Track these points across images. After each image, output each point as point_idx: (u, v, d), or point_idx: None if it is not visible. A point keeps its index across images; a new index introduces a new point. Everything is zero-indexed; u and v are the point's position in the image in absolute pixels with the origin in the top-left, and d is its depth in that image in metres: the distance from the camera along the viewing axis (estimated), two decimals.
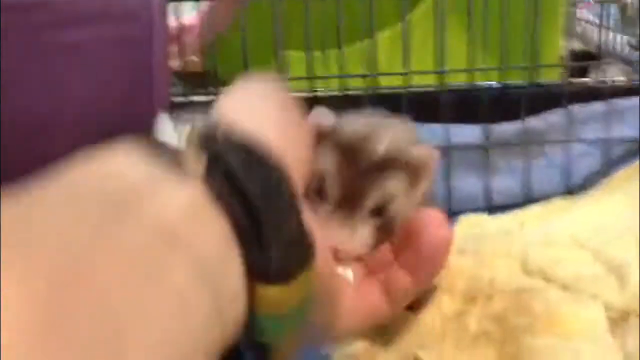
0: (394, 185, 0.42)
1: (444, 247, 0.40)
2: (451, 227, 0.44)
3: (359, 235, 0.41)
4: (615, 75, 0.73)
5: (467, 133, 0.70)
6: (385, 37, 0.80)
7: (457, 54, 0.73)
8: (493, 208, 0.69)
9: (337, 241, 0.40)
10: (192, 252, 0.23)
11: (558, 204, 0.67)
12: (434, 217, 0.41)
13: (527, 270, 0.56)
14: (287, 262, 0.27)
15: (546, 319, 0.48)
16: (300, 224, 0.28)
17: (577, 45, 0.99)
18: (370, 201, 0.42)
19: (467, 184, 0.70)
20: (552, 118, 0.72)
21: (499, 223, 0.64)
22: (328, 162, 0.42)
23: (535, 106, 0.71)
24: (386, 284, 0.40)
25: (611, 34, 0.80)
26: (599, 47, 0.77)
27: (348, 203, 0.41)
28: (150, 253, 0.22)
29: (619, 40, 0.82)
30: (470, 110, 0.70)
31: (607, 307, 0.50)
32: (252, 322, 0.27)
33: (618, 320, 0.49)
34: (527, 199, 0.70)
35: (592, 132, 0.71)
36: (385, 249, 0.42)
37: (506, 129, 0.71)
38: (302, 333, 0.30)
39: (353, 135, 0.43)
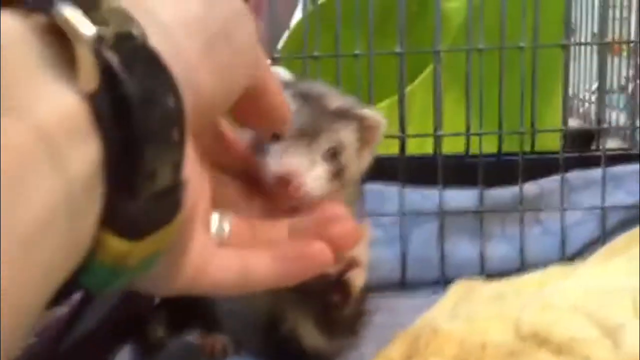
0: (346, 133, 0.47)
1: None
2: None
3: (316, 171, 0.44)
4: (612, 144, 0.73)
5: (462, 198, 0.70)
6: (384, 106, 0.80)
7: (455, 123, 0.74)
8: (488, 275, 0.67)
9: (296, 167, 0.42)
10: (62, 168, 0.21)
11: (555, 271, 0.66)
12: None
13: (520, 335, 0.54)
14: (148, 218, 0.24)
15: None
16: (177, 174, 0.25)
17: (576, 123, 1.00)
18: (324, 141, 0.45)
19: (461, 249, 0.69)
20: (549, 184, 0.71)
21: (493, 288, 0.63)
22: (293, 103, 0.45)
23: (532, 173, 0.71)
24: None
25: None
26: (597, 119, 0.77)
27: (304, 140, 0.44)
28: (23, 156, 0.20)
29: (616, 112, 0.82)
30: (466, 176, 0.69)
31: None
32: (87, 267, 0.23)
33: None
34: (523, 266, 0.68)
35: (589, 199, 0.70)
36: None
37: (502, 194, 0.70)
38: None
39: (311, 90, 0.48)
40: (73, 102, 0.22)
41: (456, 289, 0.64)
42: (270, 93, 0.32)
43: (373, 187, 0.70)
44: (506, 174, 0.70)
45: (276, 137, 0.42)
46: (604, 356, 0.49)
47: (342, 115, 0.47)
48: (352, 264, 0.47)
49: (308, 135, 0.44)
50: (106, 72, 0.22)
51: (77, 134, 0.22)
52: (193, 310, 0.55)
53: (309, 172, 0.43)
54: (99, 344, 0.55)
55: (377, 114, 0.48)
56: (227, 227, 0.32)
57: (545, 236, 0.70)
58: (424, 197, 0.70)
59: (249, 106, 0.32)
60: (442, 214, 0.68)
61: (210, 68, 0.27)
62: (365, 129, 0.48)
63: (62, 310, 0.60)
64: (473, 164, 0.69)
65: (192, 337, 0.58)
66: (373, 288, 0.68)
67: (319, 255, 0.31)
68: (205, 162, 0.31)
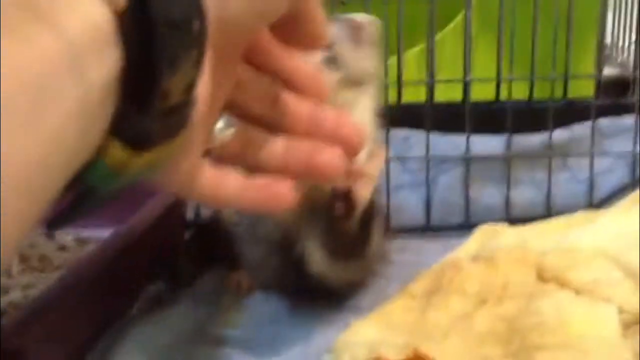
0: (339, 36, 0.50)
1: None
2: None
3: None
4: None
5: (489, 144, 0.70)
6: (414, 52, 0.80)
7: (485, 70, 0.73)
8: (513, 220, 0.67)
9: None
10: (82, 75, 0.22)
11: (580, 217, 0.65)
12: None
13: (542, 277, 0.55)
14: (154, 132, 0.25)
15: (556, 320, 0.47)
16: (189, 93, 0.25)
17: (616, 71, 0.98)
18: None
19: (487, 194, 0.69)
20: (579, 131, 0.71)
21: (517, 232, 0.63)
22: None
23: (563, 119, 0.70)
24: None
25: None
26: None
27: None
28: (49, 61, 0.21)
29: None
30: (494, 122, 0.69)
31: (621, 310, 0.49)
32: (90, 166, 0.24)
33: (631, 323, 0.47)
34: (549, 212, 0.68)
35: (619, 146, 0.70)
36: None
37: (530, 140, 0.70)
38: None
39: None
40: (101, 15, 0.23)
41: (480, 233, 0.64)
42: (311, 21, 0.31)
43: (399, 133, 0.70)
44: (536, 121, 0.70)
45: None
46: (625, 298, 0.49)
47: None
48: (356, 175, 0.48)
49: None
50: None
51: (101, 44, 0.22)
52: (219, 246, 0.57)
53: None
54: (129, 279, 0.57)
55: (364, 16, 0.53)
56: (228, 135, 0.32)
57: (573, 182, 0.70)
58: (450, 142, 0.70)
59: (287, 30, 0.31)
60: (468, 160, 0.68)
61: None
62: (354, 30, 0.51)
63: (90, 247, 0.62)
64: (502, 110, 0.69)
65: (220, 273, 0.60)
66: (398, 230, 0.69)
67: (323, 166, 0.32)
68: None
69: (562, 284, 0.53)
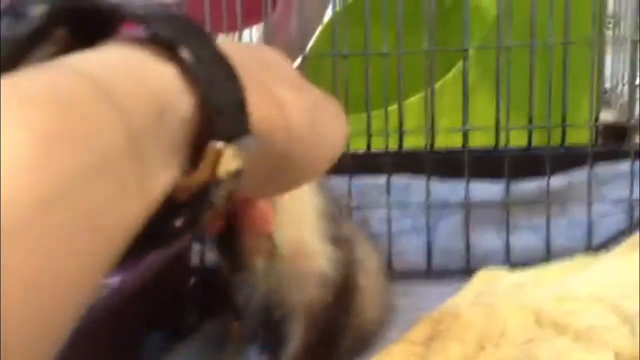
0: None
1: None
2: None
3: None
4: None
5: (488, 190, 0.71)
6: (413, 101, 0.82)
7: (485, 118, 0.75)
8: (513, 265, 0.69)
9: None
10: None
11: (579, 262, 0.67)
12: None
13: (540, 323, 0.56)
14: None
15: None
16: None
17: (614, 116, 0.99)
18: None
19: (487, 240, 0.71)
20: (576, 177, 0.72)
21: (515, 278, 0.64)
22: None
23: (561, 166, 0.72)
24: None
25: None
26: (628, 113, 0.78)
27: None
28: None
29: None
30: (493, 168, 0.71)
31: (618, 354, 0.49)
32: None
33: None
34: (548, 257, 0.69)
35: (616, 191, 0.71)
36: None
37: (528, 186, 0.72)
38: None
39: None
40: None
41: (479, 277, 0.65)
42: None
43: (400, 179, 0.72)
44: (534, 167, 0.71)
45: None
46: (621, 343, 0.50)
47: None
48: None
49: None
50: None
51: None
52: (222, 296, 0.58)
53: None
54: (135, 327, 0.58)
55: None
56: None
57: (571, 227, 0.71)
58: (450, 189, 0.72)
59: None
60: (468, 206, 0.70)
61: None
62: None
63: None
64: (501, 156, 0.70)
65: (225, 320, 0.61)
66: (399, 275, 0.70)
67: None
68: None
69: (560, 331, 0.54)
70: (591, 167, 0.71)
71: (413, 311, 0.62)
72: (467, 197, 0.70)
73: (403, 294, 0.67)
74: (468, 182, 0.70)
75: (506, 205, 0.71)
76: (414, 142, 0.76)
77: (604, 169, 0.72)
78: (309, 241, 0.51)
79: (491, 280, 0.65)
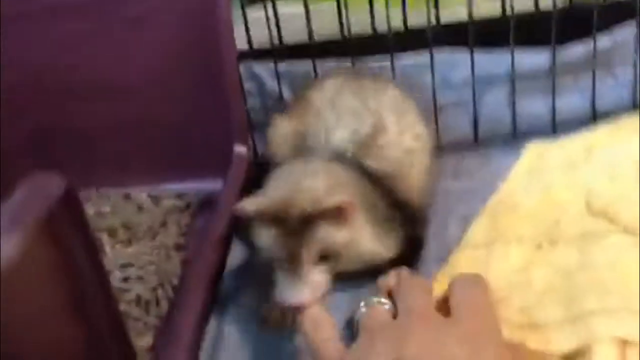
0: (324, 236, 0.49)
1: None
2: None
3: (308, 285, 0.49)
4: None
5: (533, 58, 0.71)
6: None
7: None
8: (559, 130, 0.70)
9: (298, 301, 0.49)
10: None
11: (625, 125, 0.68)
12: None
13: (591, 210, 0.59)
14: None
15: (611, 276, 0.51)
16: None
17: None
18: (308, 256, 0.49)
19: (533, 106, 0.72)
20: (622, 35, 0.71)
21: (564, 152, 0.66)
22: (265, 236, 0.50)
23: (606, 22, 0.70)
24: None
25: None
26: None
27: (293, 262, 0.49)
28: None
29: None
30: (536, 35, 0.69)
31: None
32: None
33: None
34: (594, 118, 0.70)
35: None
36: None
37: (574, 51, 0.71)
38: None
39: (276, 206, 0.50)
40: None
41: (528, 155, 0.67)
42: None
43: (442, 55, 0.71)
44: (579, 28, 0.70)
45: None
46: None
47: (312, 219, 0.49)
48: None
49: (292, 258, 0.49)
50: None
51: None
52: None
53: (309, 290, 0.49)
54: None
55: (338, 198, 0.50)
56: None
57: (617, 87, 0.72)
58: (493, 60, 0.71)
59: None
60: (513, 77, 0.70)
61: None
62: (336, 212, 0.50)
63: None
64: (545, 19, 0.68)
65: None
66: (448, 148, 0.73)
67: None
68: None
69: (610, 220, 0.58)
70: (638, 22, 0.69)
71: (467, 196, 0.65)
72: (512, 69, 0.70)
73: (454, 174, 0.70)
74: (513, 51, 0.69)
75: (552, 72, 0.70)
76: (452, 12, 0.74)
77: None
78: None
79: (540, 157, 0.67)
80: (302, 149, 0.60)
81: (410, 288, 0.49)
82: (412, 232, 0.57)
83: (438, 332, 0.44)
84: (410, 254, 0.57)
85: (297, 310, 0.49)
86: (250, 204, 0.51)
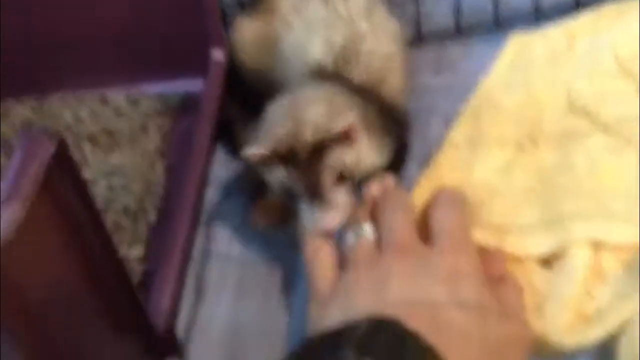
0: (336, 160, 0.50)
1: None
2: None
3: (335, 208, 0.50)
4: None
5: None
6: None
7: None
8: (541, 15, 0.70)
9: (320, 222, 0.50)
10: None
11: (607, 12, 0.67)
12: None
13: (573, 107, 0.60)
14: None
15: (589, 177, 0.53)
16: None
17: None
18: (327, 182, 0.50)
19: None
20: None
21: (547, 43, 0.66)
22: (278, 174, 0.51)
23: None
24: None
25: None
26: None
27: (314, 192, 0.50)
28: None
29: None
30: None
31: None
32: None
33: None
34: (577, 4, 0.69)
35: None
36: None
37: None
38: None
39: (283, 145, 0.50)
40: None
41: (511, 46, 0.67)
42: None
43: None
44: None
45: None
46: None
47: (322, 147, 0.50)
48: None
49: (313, 189, 0.50)
50: None
51: None
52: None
53: (338, 213, 0.50)
54: None
55: (344, 119, 0.50)
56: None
57: None
58: None
59: None
60: None
61: None
62: (345, 134, 0.50)
63: None
64: None
65: None
66: (429, 37, 0.72)
67: None
68: None
69: (592, 119, 0.58)
70: None
71: (450, 92, 0.65)
72: None
73: (436, 68, 0.69)
74: None
75: None
76: None
77: None
78: None
79: (523, 50, 0.66)
80: (274, 57, 0.60)
81: (393, 211, 0.50)
82: (399, 138, 0.58)
83: (418, 270, 0.45)
84: (396, 161, 0.57)
85: (328, 234, 0.50)
86: (257, 149, 0.51)
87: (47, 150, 0.33)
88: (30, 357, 0.34)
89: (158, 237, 0.58)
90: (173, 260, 0.54)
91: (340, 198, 0.50)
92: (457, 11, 0.71)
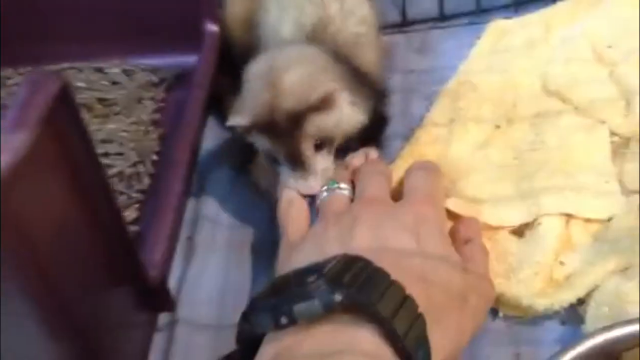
0: (315, 127, 0.52)
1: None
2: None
3: (318, 173, 0.52)
4: None
5: None
6: None
7: None
8: (521, 3, 0.74)
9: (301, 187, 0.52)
10: None
11: (585, 1, 0.70)
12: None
13: (547, 90, 0.63)
14: None
15: (559, 153, 0.56)
16: None
17: None
18: (308, 149, 0.52)
19: None
20: None
21: (524, 31, 0.69)
22: (262, 141, 0.52)
23: None
24: None
25: None
26: None
27: (296, 158, 0.52)
28: None
29: None
30: None
31: (612, 133, 0.58)
32: None
33: (620, 146, 0.57)
34: None
35: None
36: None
37: None
38: None
39: (263, 113, 0.51)
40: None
41: (490, 33, 0.70)
42: None
43: None
44: None
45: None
46: (617, 122, 0.58)
47: (301, 116, 0.51)
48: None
49: (295, 156, 0.52)
50: None
51: None
52: None
53: (320, 177, 0.52)
54: None
55: (323, 85, 0.51)
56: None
57: None
58: None
59: None
60: None
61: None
62: (323, 101, 0.51)
63: None
64: None
65: None
66: (413, 22, 0.75)
67: None
68: None
69: (564, 100, 0.62)
70: None
71: (432, 74, 0.68)
72: None
73: (419, 50, 0.72)
74: None
75: None
76: None
77: None
78: None
79: (503, 36, 0.70)
80: (254, 37, 0.62)
81: (370, 175, 0.53)
82: (377, 105, 0.59)
83: (384, 218, 0.47)
84: (376, 129, 0.60)
85: (311, 198, 0.53)
86: (237, 120, 0.53)
87: (52, 85, 0.35)
88: (30, 289, 0.36)
89: (151, 201, 0.61)
90: (166, 220, 0.56)
91: (321, 164, 0.52)
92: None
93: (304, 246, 0.48)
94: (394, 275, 0.39)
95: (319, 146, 0.53)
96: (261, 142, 0.53)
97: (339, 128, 0.53)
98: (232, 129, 0.54)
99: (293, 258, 0.47)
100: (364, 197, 0.50)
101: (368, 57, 0.63)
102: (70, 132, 0.38)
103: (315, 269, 0.39)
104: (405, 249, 0.45)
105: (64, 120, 0.37)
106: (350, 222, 0.47)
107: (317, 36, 0.60)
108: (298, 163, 0.52)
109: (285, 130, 0.51)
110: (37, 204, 0.35)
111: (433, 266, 0.44)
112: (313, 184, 0.52)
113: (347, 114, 0.54)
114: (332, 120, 0.52)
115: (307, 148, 0.52)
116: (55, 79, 0.36)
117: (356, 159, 0.56)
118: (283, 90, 0.51)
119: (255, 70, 0.55)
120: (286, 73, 0.52)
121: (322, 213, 0.51)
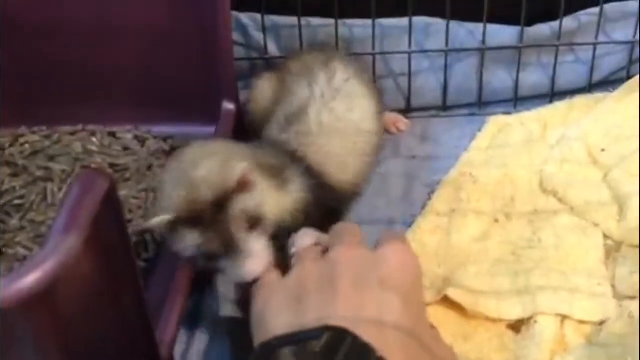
0: (239, 209, 0.51)
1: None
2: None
3: (254, 256, 0.51)
4: None
5: (503, 33, 0.74)
6: None
7: None
8: (520, 101, 0.76)
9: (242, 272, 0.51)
10: None
11: (580, 103, 0.73)
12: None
13: (544, 189, 0.65)
14: None
15: (555, 253, 0.58)
16: None
17: None
18: (238, 232, 0.51)
19: (498, 77, 0.76)
20: (586, 18, 0.75)
21: (523, 129, 0.71)
22: (190, 237, 0.51)
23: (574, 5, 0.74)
24: None
25: None
26: None
27: (229, 246, 0.51)
28: None
29: None
30: (510, 10, 0.73)
31: (605, 236, 0.60)
32: None
33: (612, 250, 0.59)
34: (553, 95, 0.75)
35: (622, 31, 0.75)
36: None
37: (542, 29, 0.75)
38: None
39: (184, 207, 0.50)
40: None
41: (490, 128, 0.73)
42: None
43: (419, 21, 0.74)
44: (549, 7, 0.74)
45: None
46: (610, 226, 0.60)
47: (221, 201, 0.50)
48: None
49: (227, 244, 0.51)
50: None
51: None
52: None
53: (258, 260, 0.51)
54: None
55: (234, 172, 0.51)
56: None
57: (576, 64, 0.76)
58: (468, 32, 0.75)
59: None
60: (484, 50, 0.74)
61: None
62: (237, 188, 0.51)
63: None
64: None
65: None
66: (418, 110, 0.77)
67: None
68: None
69: (560, 199, 0.64)
70: (602, 6, 0.73)
71: (432, 162, 0.70)
72: (483, 41, 0.74)
73: (422, 138, 0.74)
74: (485, 26, 0.73)
75: (519, 49, 0.74)
76: None
77: (611, 9, 0.74)
78: None
79: (502, 131, 0.72)
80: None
81: (340, 234, 0.50)
82: (330, 203, 0.60)
83: (365, 265, 0.46)
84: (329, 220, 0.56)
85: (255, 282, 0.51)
86: (161, 217, 0.51)
87: (102, 186, 0.36)
88: None
89: (158, 271, 0.61)
90: (177, 302, 0.55)
91: (256, 245, 0.51)
92: (445, 89, 0.77)
93: (281, 293, 0.47)
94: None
95: (251, 228, 0.51)
96: (191, 238, 0.51)
97: (264, 207, 0.52)
98: (153, 230, 0.53)
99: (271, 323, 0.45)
100: (340, 244, 0.48)
101: (350, 166, 0.62)
102: (112, 228, 0.39)
103: (309, 344, 0.39)
104: (384, 320, 0.43)
105: (109, 219, 0.37)
106: (330, 265, 0.46)
107: (306, 141, 0.60)
108: (233, 247, 0.51)
109: (212, 219, 0.50)
110: (71, 290, 0.36)
111: (409, 340, 0.43)
112: (253, 266, 0.51)
113: (267, 196, 0.53)
114: (255, 200, 0.52)
115: (238, 230, 0.51)
116: (104, 180, 0.37)
117: (300, 240, 0.53)
118: (199, 182, 0.51)
119: (167, 173, 0.55)
120: (199, 165, 0.52)
121: (297, 261, 0.49)
